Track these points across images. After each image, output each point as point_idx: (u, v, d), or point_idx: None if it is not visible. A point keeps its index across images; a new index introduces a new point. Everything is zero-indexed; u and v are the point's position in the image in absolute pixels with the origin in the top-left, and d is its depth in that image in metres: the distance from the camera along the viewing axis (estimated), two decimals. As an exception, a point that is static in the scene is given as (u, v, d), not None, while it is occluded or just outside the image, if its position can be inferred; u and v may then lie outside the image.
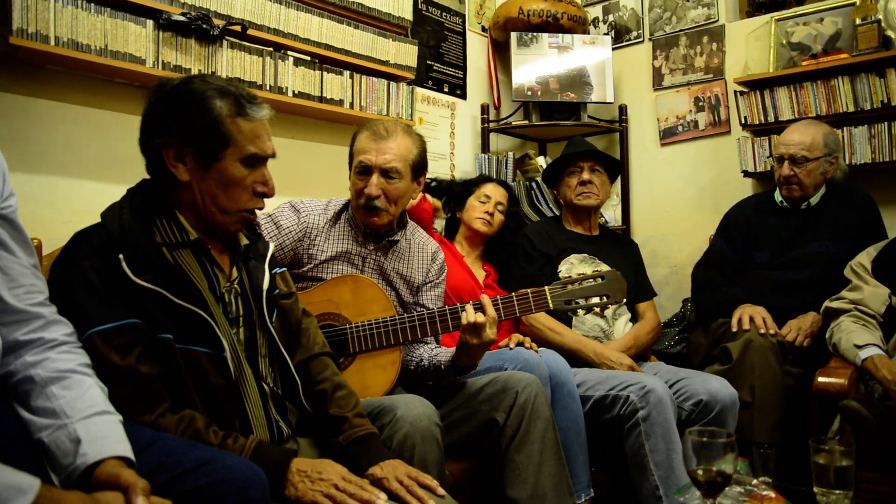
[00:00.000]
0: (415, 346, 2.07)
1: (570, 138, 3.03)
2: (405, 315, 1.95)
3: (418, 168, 2.06)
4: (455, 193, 2.99)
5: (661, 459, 2.08)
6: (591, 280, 1.96)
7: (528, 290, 1.95)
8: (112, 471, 1.05)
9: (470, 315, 1.82)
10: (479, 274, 2.82)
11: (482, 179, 3.01)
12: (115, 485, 1.04)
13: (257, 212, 1.49)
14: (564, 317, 2.54)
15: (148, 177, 1.44)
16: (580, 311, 1.96)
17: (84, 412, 1.11)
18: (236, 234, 1.51)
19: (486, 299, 1.86)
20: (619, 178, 3.07)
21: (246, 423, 1.42)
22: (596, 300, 1.96)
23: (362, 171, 2.00)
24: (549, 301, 1.94)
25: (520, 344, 2.24)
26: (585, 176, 2.72)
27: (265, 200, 1.49)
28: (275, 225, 1.99)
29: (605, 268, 2.67)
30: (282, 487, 1.29)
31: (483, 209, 2.84)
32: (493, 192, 2.89)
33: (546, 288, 1.96)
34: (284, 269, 1.68)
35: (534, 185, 3.47)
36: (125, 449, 1.10)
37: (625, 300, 2.40)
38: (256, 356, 1.48)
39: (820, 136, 2.66)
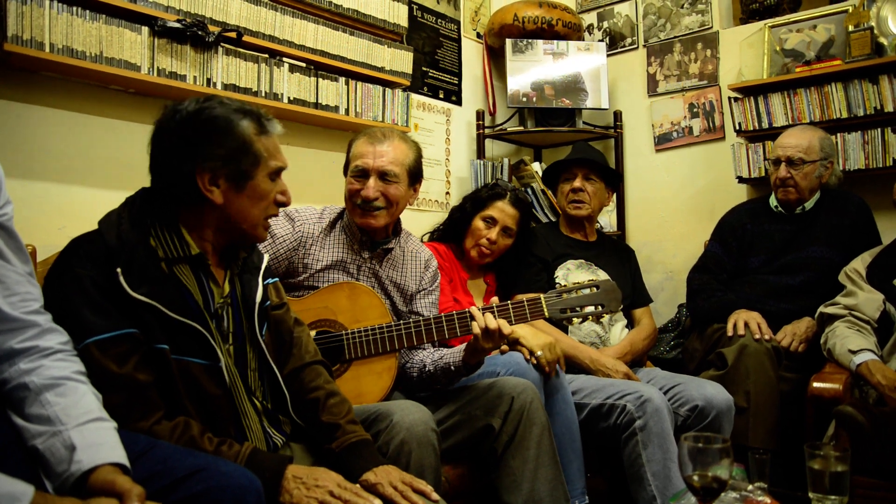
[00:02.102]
0: (413, 353, 2.07)
1: (575, 143, 2.99)
2: (401, 322, 1.95)
3: (414, 174, 2.07)
4: (466, 213, 2.68)
5: (657, 469, 2.08)
6: (587, 289, 1.97)
7: (524, 298, 1.95)
8: (107, 477, 1.05)
9: (490, 321, 1.81)
10: (480, 290, 2.74)
11: (493, 195, 2.65)
12: (110, 491, 1.03)
13: None
14: (560, 322, 2.54)
15: (147, 185, 1.44)
16: (575, 320, 1.96)
17: (79, 419, 1.11)
18: (240, 246, 1.52)
19: (492, 312, 1.87)
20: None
21: (242, 434, 1.42)
22: (591, 309, 1.97)
23: (359, 175, 2.01)
24: (545, 309, 1.95)
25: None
26: (577, 184, 2.71)
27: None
28: (269, 234, 1.99)
29: (601, 274, 2.67)
30: (277, 494, 1.29)
31: (485, 235, 2.60)
32: (501, 213, 2.61)
33: (542, 296, 1.96)
34: (277, 279, 1.68)
35: (529, 191, 3.47)
36: (120, 456, 1.10)
37: (620, 308, 2.40)
38: (246, 370, 1.48)
39: (816, 140, 2.68)
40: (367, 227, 2.04)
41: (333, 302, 1.96)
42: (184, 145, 1.39)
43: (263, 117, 1.46)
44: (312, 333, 1.89)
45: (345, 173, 2.10)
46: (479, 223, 2.63)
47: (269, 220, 1.51)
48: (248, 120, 1.42)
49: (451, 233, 2.73)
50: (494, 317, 1.84)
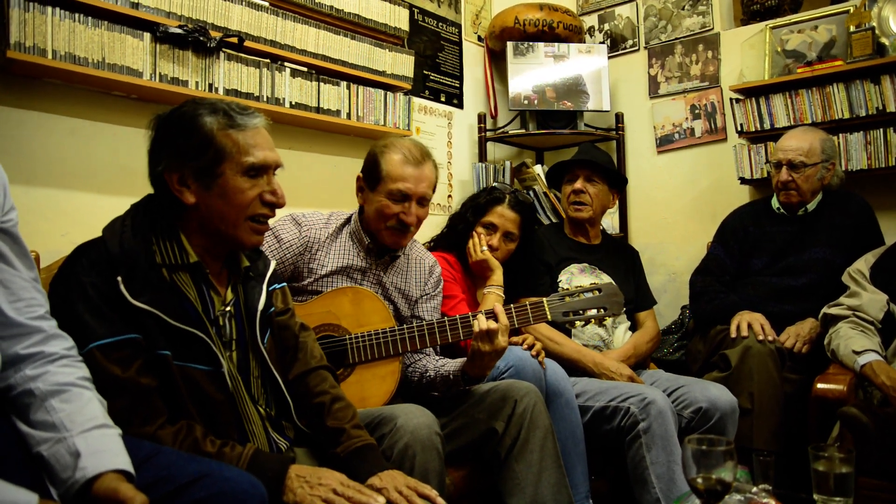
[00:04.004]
0: (417, 358, 2.08)
1: (581, 144, 2.97)
2: (405, 326, 1.95)
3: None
4: (469, 222, 2.59)
5: (661, 472, 2.07)
6: (589, 293, 1.97)
7: (527, 302, 1.96)
8: (111, 485, 1.05)
9: (482, 322, 1.82)
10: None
11: (491, 200, 2.57)
12: (114, 499, 1.04)
13: None
14: (563, 325, 2.53)
15: (152, 192, 1.45)
16: (578, 323, 1.97)
17: (83, 425, 1.11)
18: (240, 252, 1.51)
19: (499, 308, 1.87)
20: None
21: (244, 439, 1.43)
22: (593, 312, 1.97)
23: (400, 199, 2.00)
24: (548, 313, 1.96)
25: (530, 347, 2.21)
26: (578, 185, 2.70)
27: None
28: (276, 238, 1.99)
29: (605, 278, 2.66)
30: (280, 493, 1.30)
31: (486, 242, 2.52)
32: (501, 219, 2.53)
33: (545, 300, 1.97)
34: (284, 284, 1.68)
35: (531, 193, 3.47)
36: (124, 462, 1.10)
37: (623, 311, 2.39)
38: (249, 377, 1.49)
39: (817, 142, 2.68)
40: (395, 247, 2.07)
41: (337, 306, 1.97)
42: (155, 148, 1.41)
43: (235, 111, 1.41)
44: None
45: (369, 186, 2.05)
46: (479, 230, 2.55)
47: (258, 224, 1.44)
48: (215, 115, 1.39)
49: (454, 242, 2.63)
50: (495, 321, 1.84)
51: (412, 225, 2.03)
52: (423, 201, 2.04)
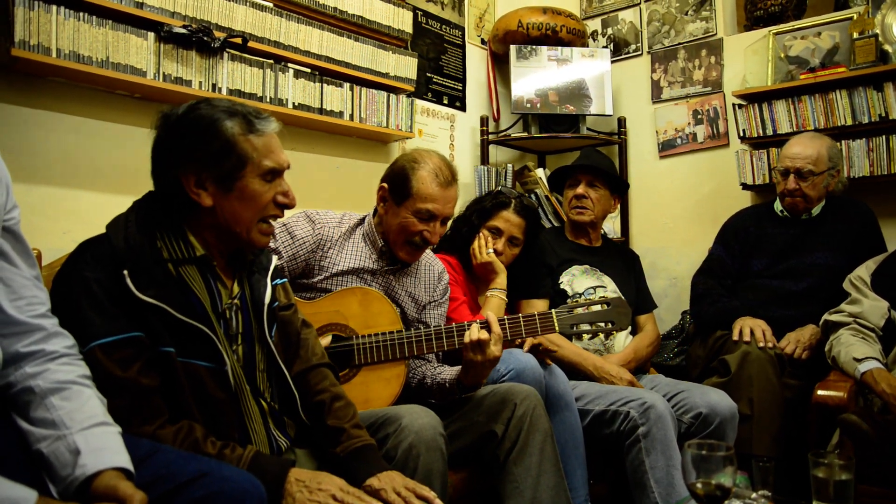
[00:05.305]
0: (418, 364, 2.08)
1: (583, 149, 2.97)
2: (412, 330, 1.95)
3: None
4: (474, 225, 2.58)
5: (661, 476, 2.07)
6: (597, 305, 1.98)
7: (535, 313, 1.97)
8: (110, 482, 1.05)
9: (473, 332, 1.82)
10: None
11: (497, 205, 2.57)
12: (113, 497, 1.04)
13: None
14: (569, 336, 2.52)
15: (152, 189, 1.45)
16: (585, 336, 1.98)
17: (83, 423, 1.11)
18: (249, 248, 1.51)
19: (492, 317, 1.87)
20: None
21: (246, 437, 1.42)
22: (601, 325, 1.98)
23: (426, 218, 2.02)
24: (556, 325, 1.96)
25: (534, 347, 2.21)
26: (580, 190, 2.70)
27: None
28: (289, 235, 2.00)
29: (606, 280, 2.67)
30: (280, 497, 1.29)
31: (491, 246, 2.52)
32: (506, 224, 2.53)
33: (553, 311, 1.97)
34: (286, 280, 1.68)
35: (533, 197, 3.47)
36: (124, 460, 1.10)
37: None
38: (255, 371, 1.49)
39: (824, 149, 2.67)
40: (409, 261, 2.09)
41: (345, 307, 1.97)
42: (170, 149, 1.40)
43: (253, 115, 1.42)
44: (327, 338, 1.91)
45: (395, 200, 2.04)
46: (484, 233, 2.54)
47: (267, 224, 1.46)
48: (234, 119, 1.39)
49: (457, 245, 2.61)
50: (506, 330, 1.85)
51: (434, 243, 2.07)
52: (446, 220, 2.08)
